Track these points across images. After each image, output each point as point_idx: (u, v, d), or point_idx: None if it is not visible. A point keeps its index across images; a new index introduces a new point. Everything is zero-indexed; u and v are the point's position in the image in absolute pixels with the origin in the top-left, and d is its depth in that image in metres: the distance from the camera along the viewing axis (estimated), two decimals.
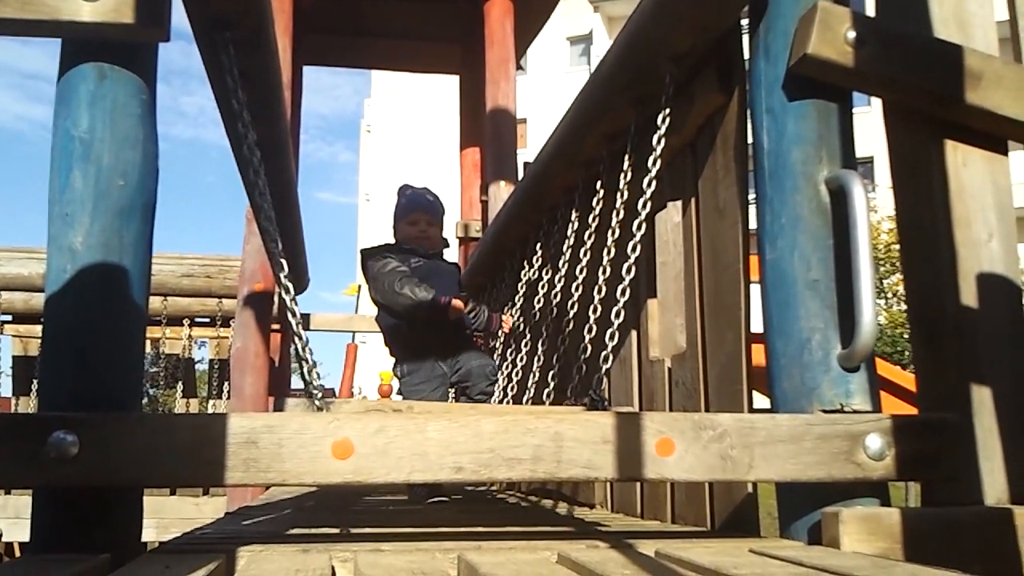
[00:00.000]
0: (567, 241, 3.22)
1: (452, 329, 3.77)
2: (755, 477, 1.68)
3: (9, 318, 7.96)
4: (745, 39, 2.11)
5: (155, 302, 7.29)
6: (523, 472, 1.61)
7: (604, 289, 2.48)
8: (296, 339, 2.20)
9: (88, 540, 1.53)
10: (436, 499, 3.45)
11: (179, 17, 1.95)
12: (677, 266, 2.56)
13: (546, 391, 3.06)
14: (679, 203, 2.56)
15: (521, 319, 3.87)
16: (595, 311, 2.47)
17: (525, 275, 3.89)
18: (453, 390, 3.91)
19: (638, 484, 2.74)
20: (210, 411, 7.93)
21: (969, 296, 1.90)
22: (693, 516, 2.31)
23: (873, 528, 1.55)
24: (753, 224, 2.02)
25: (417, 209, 3.94)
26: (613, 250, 2.46)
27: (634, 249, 2.24)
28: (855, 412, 1.71)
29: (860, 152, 1.91)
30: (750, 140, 2.00)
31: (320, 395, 2.16)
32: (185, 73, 65.91)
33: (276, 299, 5.25)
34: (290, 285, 2.13)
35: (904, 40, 1.91)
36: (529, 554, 1.58)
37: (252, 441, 1.53)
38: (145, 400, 10.48)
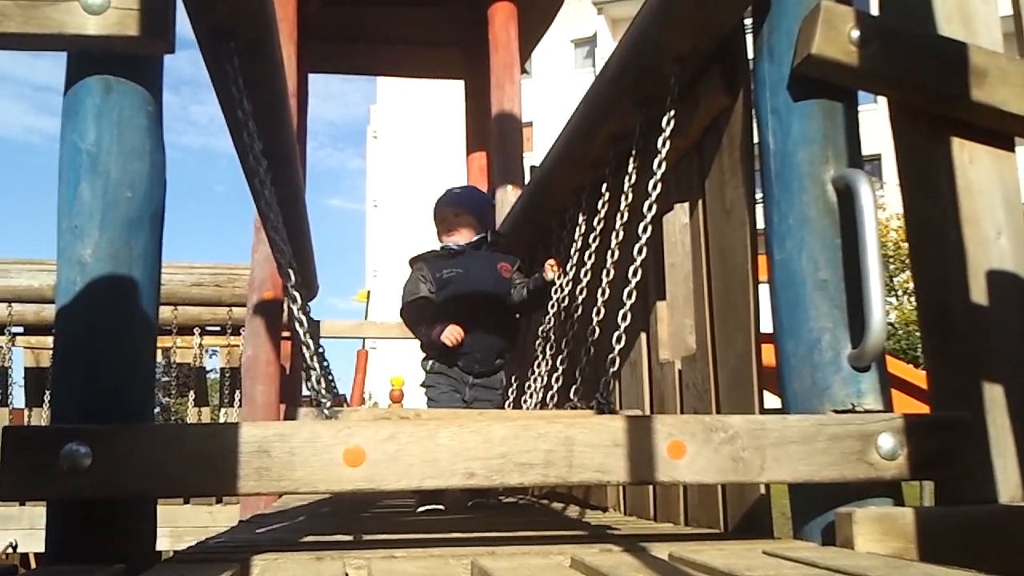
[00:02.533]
0: (575, 244, 3.22)
1: (479, 346, 3.69)
2: (767, 479, 1.67)
3: (21, 330, 7.99)
4: (749, 40, 2.11)
5: (165, 312, 7.30)
6: (535, 477, 1.61)
7: (612, 292, 2.47)
8: (304, 348, 2.19)
9: (103, 550, 1.53)
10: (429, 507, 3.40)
11: (186, 27, 1.96)
12: (685, 267, 2.56)
13: (550, 395, 3.05)
14: (686, 204, 2.56)
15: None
16: (603, 314, 2.47)
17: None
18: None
19: (650, 487, 2.73)
20: (222, 419, 7.93)
21: (979, 293, 1.89)
22: (706, 518, 2.30)
23: (887, 528, 1.55)
24: (760, 224, 2.02)
25: (439, 207, 3.84)
26: (620, 253, 2.46)
27: (640, 252, 2.24)
28: (867, 412, 1.71)
29: (867, 150, 1.91)
30: (756, 141, 2.00)
31: (329, 404, 2.16)
32: (195, 82, 66.03)
33: (286, 306, 5.26)
34: (297, 295, 2.13)
35: (908, 38, 1.91)
36: (542, 559, 1.58)
37: (264, 450, 1.53)
38: (157, 409, 10.52)
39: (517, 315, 3.89)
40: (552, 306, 3.44)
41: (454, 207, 3.82)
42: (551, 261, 3.49)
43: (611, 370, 2.24)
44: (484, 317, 3.67)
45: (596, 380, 2.55)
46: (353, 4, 6.78)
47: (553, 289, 3.41)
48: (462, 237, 3.77)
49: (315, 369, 2.25)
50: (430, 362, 3.74)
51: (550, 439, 1.62)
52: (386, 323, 7.22)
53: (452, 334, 3.56)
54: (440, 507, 3.37)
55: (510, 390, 3.86)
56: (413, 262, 3.85)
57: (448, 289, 3.68)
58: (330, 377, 4.68)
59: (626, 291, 2.26)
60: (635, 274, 2.24)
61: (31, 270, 7.58)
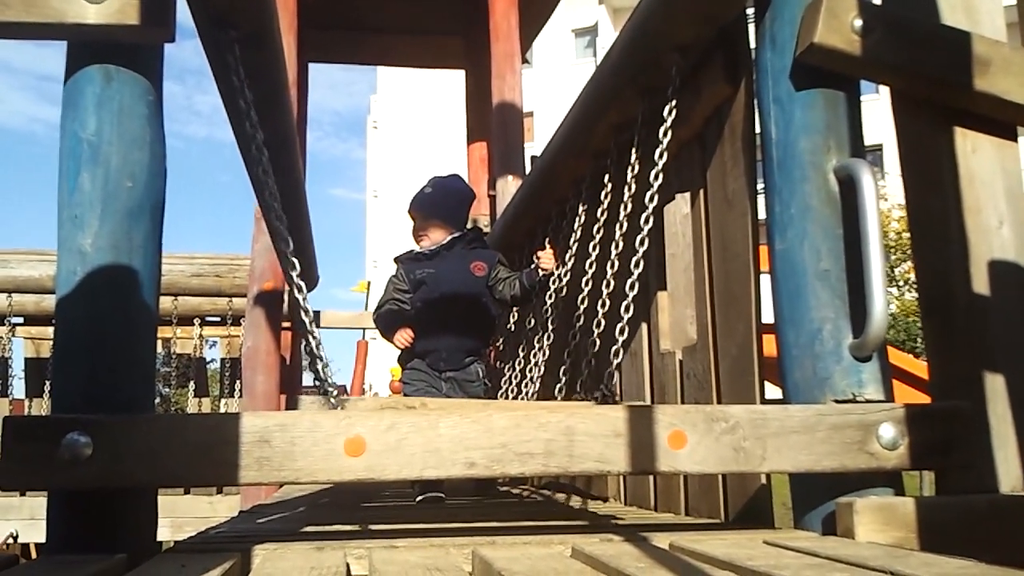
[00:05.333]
0: (575, 234, 3.21)
1: (445, 345, 3.76)
2: (768, 468, 1.67)
3: (21, 320, 7.99)
4: (751, 29, 2.10)
5: (166, 302, 7.29)
6: (535, 467, 1.61)
7: (613, 282, 2.47)
8: (311, 338, 2.20)
9: (104, 540, 1.53)
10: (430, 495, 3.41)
11: (188, 17, 1.95)
12: (686, 258, 2.56)
13: (556, 386, 3.05)
14: (688, 194, 2.55)
15: (532, 315, 3.84)
16: (604, 305, 2.47)
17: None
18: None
19: (651, 477, 2.74)
20: (222, 410, 7.93)
21: (980, 283, 1.89)
22: (707, 508, 2.30)
23: (887, 518, 1.55)
24: (762, 214, 2.02)
25: (409, 209, 3.90)
26: (622, 243, 2.46)
27: (643, 243, 2.24)
28: (868, 402, 1.71)
29: (869, 140, 1.91)
30: (758, 130, 2.00)
31: (336, 392, 2.17)
32: (200, 72, 65.74)
33: (286, 297, 5.27)
34: (303, 284, 2.13)
35: (911, 27, 1.90)
36: (543, 548, 1.58)
37: (265, 440, 1.53)
38: (158, 400, 10.53)
39: (506, 309, 3.96)
40: (550, 296, 3.43)
41: (420, 211, 3.88)
42: (548, 252, 3.49)
43: (615, 361, 2.24)
44: (453, 317, 3.74)
45: (597, 371, 2.55)
46: None
47: (551, 279, 3.41)
48: (431, 241, 3.84)
49: (320, 358, 2.27)
50: (407, 359, 3.87)
51: (551, 429, 1.62)
52: None
53: (401, 338, 3.72)
54: (440, 495, 3.39)
55: (504, 380, 3.87)
56: (396, 261, 3.97)
57: (421, 290, 3.78)
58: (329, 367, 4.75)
59: (628, 282, 2.25)
60: (637, 265, 2.24)
61: (31, 260, 7.57)
